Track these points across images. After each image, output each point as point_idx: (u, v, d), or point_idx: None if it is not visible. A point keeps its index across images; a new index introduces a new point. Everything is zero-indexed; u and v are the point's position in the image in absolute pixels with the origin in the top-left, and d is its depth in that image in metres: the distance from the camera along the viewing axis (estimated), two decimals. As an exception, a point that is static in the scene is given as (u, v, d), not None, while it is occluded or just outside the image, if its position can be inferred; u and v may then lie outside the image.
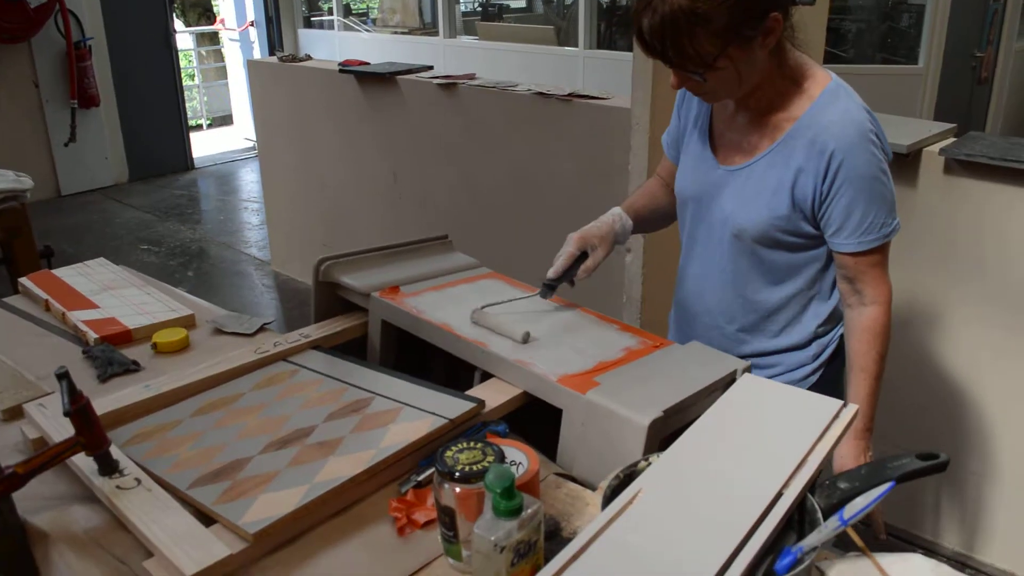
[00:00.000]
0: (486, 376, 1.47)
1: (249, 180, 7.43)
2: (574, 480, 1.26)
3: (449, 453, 1.03)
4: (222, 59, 9.43)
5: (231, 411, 1.35)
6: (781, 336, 1.57)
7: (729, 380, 1.43)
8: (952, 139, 2.49)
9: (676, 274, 1.72)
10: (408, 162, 4.02)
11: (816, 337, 1.57)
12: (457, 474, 0.99)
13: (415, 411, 1.31)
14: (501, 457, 1.02)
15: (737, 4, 1.27)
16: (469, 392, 1.40)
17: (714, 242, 1.55)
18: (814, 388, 1.54)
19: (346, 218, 4.49)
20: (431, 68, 4.02)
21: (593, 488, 1.22)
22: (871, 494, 0.88)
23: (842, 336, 1.56)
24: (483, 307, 1.53)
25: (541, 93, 3.33)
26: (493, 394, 1.39)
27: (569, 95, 3.26)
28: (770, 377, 1.41)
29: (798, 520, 1.00)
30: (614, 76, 4.88)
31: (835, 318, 1.58)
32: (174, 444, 1.26)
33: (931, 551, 2.59)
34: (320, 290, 1.69)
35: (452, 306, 1.61)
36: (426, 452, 1.25)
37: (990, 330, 2.39)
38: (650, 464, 1.05)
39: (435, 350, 1.55)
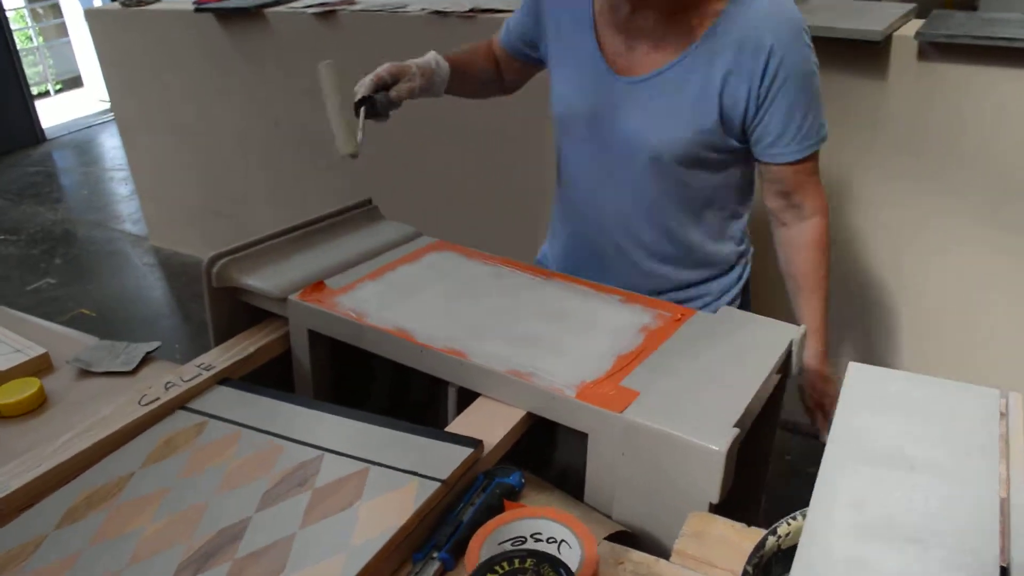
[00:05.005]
0: (464, 394, 1.08)
1: (111, 146, 6.67)
2: (632, 538, 0.90)
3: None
4: (60, 14, 8.48)
5: (117, 510, 0.92)
6: (706, 264, 1.41)
7: (786, 357, 1.10)
8: (916, 20, 2.21)
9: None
10: (290, 107, 3.51)
11: (739, 258, 1.44)
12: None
13: (386, 472, 0.92)
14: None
15: None
16: (450, 423, 1.01)
17: (619, 168, 1.32)
18: None
19: (228, 177, 3.95)
20: (303, -4, 3.48)
21: (661, 550, 0.87)
22: None
23: (753, 254, 1.46)
24: None
25: (438, 11, 2.88)
26: (485, 423, 1.01)
27: (471, 11, 2.82)
28: (700, 308, 1.21)
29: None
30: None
31: (746, 236, 1.45)
32: (34, 581, 0.84)
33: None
34: (216, 300, 1.26)
35: (402, 298, 1.20)
36: (418, 539, 0.87)
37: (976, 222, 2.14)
38: (790, 532, 0.69)
39: (384, 362, 1.15)
